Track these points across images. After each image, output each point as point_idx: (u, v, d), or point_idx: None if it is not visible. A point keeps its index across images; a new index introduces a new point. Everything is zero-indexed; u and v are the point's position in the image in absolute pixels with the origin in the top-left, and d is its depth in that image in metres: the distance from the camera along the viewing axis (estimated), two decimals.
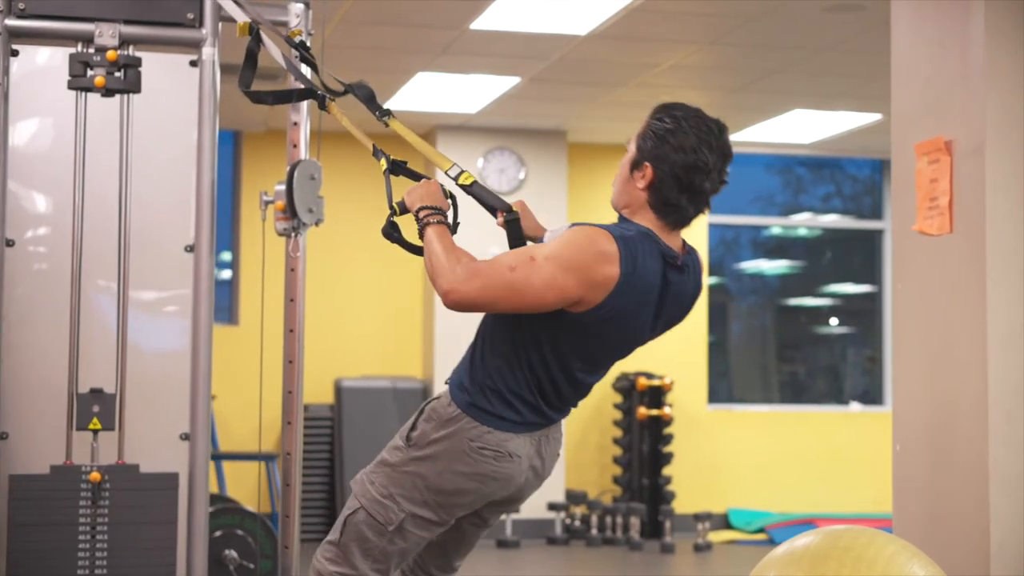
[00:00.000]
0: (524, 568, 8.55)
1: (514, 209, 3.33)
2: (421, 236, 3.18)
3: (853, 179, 11.61)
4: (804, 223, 11.39)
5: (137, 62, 3.74)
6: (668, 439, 10.10)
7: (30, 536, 3.60)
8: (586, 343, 3.13)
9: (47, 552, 3.60)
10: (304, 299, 3.93)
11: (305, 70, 3.80)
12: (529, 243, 3.33)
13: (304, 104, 3.92)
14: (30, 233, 3.76)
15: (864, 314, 11.57)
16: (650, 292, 3.11)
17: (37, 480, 3.62)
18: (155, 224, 3.80)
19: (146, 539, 3.66)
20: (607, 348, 3.20)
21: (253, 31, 3.72)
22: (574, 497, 9.76)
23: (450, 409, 3.16)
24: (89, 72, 3.70)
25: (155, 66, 3.80)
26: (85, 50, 3.72)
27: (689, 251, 3.23)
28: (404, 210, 3.27)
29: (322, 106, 3.68)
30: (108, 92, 3.71)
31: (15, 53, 3.75)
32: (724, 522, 10.37)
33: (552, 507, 9.71)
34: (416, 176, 3.45)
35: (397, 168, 3.47)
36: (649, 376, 10.04)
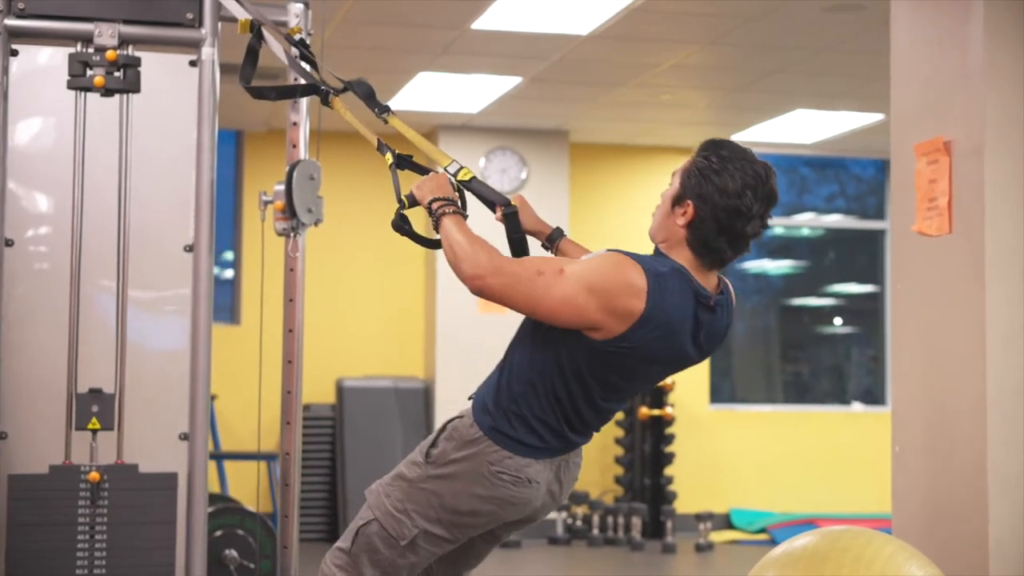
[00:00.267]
0: (525, 568, 8.55)
1: (513, 203, 3.33)
2: (436, 227, 3.18)
3: (857, 179, 11.61)
4: (807, 223, 11.39)
5: (136, 62, 3.74)
6: (670, 439, 10.10)
7: (29, 536, 3.60)
8: (608, 373, 3.10)
9: (46, 552, 3.60)
10: (303, 299, 3.93)
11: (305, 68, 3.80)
12: (529, 238, 3.33)
13: (304, 104, 3.93)
14: (29, 233, 3.76)
15: (867, 314, 11.57)
16: (678, 330, 3.07)
17: (36, 480, 3.62)
18: (154, 224, 3.80)
19: (145, 539, 3.66)
20: (630, 379, 3.16)
21: (254, 28, 3.72)
22: (576, 497, 9.76)
23: (472, 431, 3.14)
24: (88, 72, 3.70)
25: (154, 66, 3.80)
26: (84, 50, 3.72)
27: (723, 289, 3.18)
28: (413, 203, 3.27)
29: (325, 102, 3.67)
30: (107, 92, 3.71)
31: (15, 53, 3.75)
32: (726, 522, 10.37)
33: None
34: (422, 170, 3.44)
35: (402, 162, 3.47)
36: None
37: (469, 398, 3.24)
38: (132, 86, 3.73)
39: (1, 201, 3.67)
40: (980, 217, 4.03)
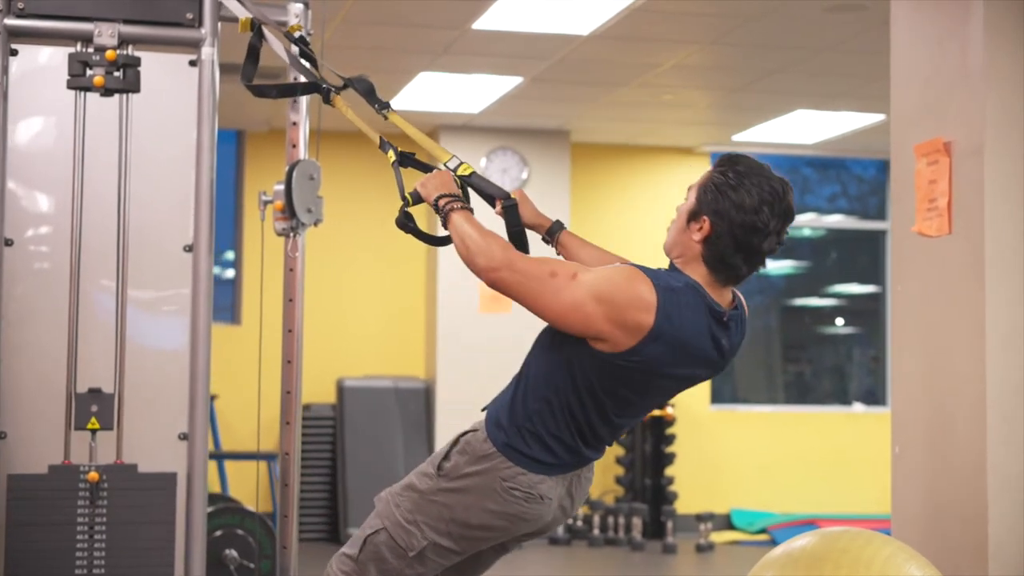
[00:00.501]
0: (526, 568, 8.54)
1: (512, 197, 3.33)
2: (445, 224, 3.18)
3: (859, 179, 11.61)
4: (809, 223, 11.39)
5: (136, 62, 3.73)
6: (671, 439, 10.10)
7: (28, 536, 3.60)
8: (620, 387, 3.08)
9: (45, 552, 3.60)
10: (303, 299, 3.93)
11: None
12: (529, 232, 3.33)
13: (303, 104, 3.93)
14: (29, 233, 3.76)
15: (869, 314, 11.57)
16: (692, 346, 3.06)
17: (35, 480, 3.62)
18: (154, 224, 3.80)
19: (144, 539, 3.66)
20: (643, 394, 3.14)
21: (255, 27, 3.72)
22: None
23: (485, 446, 3.13)
24: (88, 72, 3.69)
25: (154, 66, 3.79)
26: (84, 50, 3.72)
27: (737, 304, 3.18)
28: (418, 200, 3.27)
29: (327, 100, 3.65)
30: (107, 92, 3.71)
31: (14, 52, 3.75)
32: (726, 522, 10.37)
33: None
34: (424, 167, 3.43)
35: (405, 160, 3.46)
36: None
37: (483, 409, 3.23)
38: (132, 86, 3.73)
39: (1, 201, 3.67)
40: (980, 218, 4.02)
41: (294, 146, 3.92)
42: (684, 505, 10.08)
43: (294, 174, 3.81)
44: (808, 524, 9.31)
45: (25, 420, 3.69)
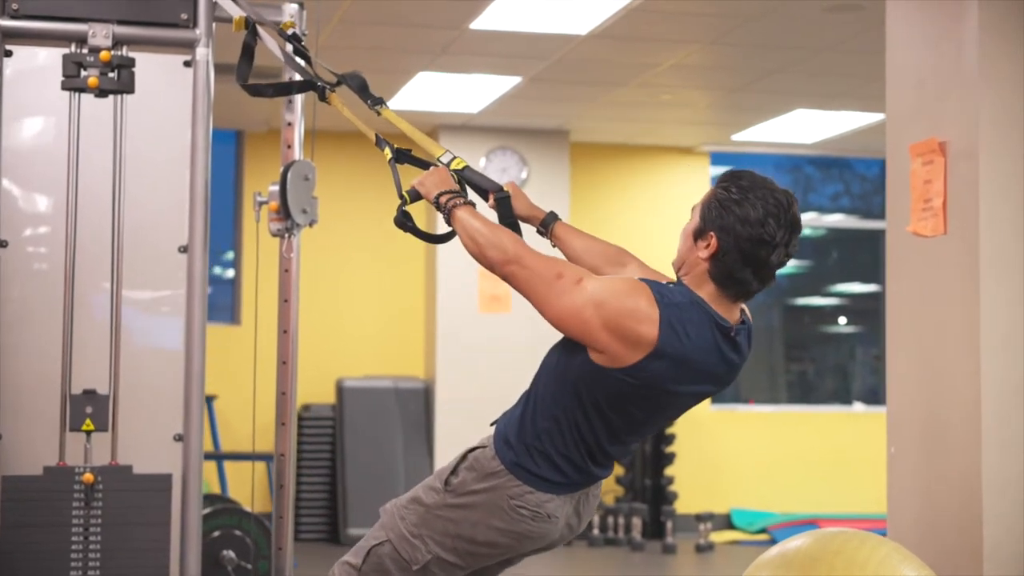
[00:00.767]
0: (525, 568, 8.51)
1: (505, 189, 3.32)
2: (449, 220, 3.17)
3: (862, 178, 11.60)
4: (810, 223, 11.39)
5: (131, 62, 3.73)
6: (671, 439, 10.09)
7: (23, 537, 3.59)
8: (627, 405, 3.06)
9: (40, 553, 3.60)
10: (298, 300, 3.93)
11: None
12: (524, 226, 3.32)
13: (299, 104, 3.92)
14: (24, 234, 3.77)
15: (870, 314, 11.56)
16: (697, 361, 3.04)
17: (30, 481, 3.62)
18: (149, 225, 3.81)
19: (139, 540, 3.66)
20: (650, 411, 3.13)
21: (249, 25, 3.71)
22: None
23: (493, 463, 3.11)
24: (83, 73, 3.69)
25: (149, 66, 3.80)
26: (79, 51, 3.72)
27: (744, 320, 3.14)
28: (416, 198, 3.26)
29: (322, 97, 3.63)
30: (102, 93, 3.71)
31: (9, 53, 3.75)
32: (726, 522, 10.36)
33: None
34: (421, 164, 3.42)
35: (401, 157, 3.44)
36: None
37: (492, 424, 3.21)
38: (126, 87, 3.73)
39: None
40: (975, 218, 4.02)
41: (289, 146, 3.92)
42: (684, 505, 10.08)
43: (289, 175, 3.81)
44: (808, 524, 9.31)
45: (20, 421, 3.69)
